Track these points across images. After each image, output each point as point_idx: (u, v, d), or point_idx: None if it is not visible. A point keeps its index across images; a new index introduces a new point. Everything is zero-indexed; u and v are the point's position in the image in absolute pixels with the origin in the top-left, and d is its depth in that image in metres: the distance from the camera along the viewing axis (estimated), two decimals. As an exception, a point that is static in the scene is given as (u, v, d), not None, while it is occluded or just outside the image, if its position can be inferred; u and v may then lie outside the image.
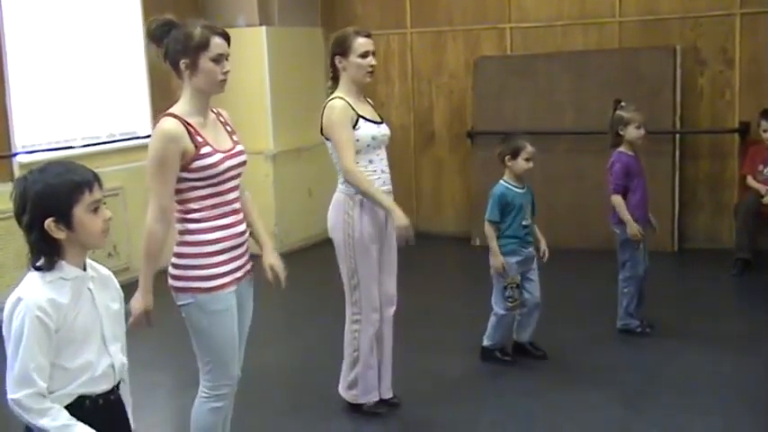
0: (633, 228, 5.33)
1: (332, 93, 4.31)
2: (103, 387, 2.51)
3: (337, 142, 4.17)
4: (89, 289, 2.51)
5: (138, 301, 3.21)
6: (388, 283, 4.45)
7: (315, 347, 5.60)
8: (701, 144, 7.76)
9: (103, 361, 2.51)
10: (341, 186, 4.31)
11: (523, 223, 4.99)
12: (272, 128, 8.10)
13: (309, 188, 8.30)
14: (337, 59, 4.26)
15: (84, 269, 2.52)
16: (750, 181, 7.11)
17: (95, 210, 2.46)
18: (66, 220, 2.41)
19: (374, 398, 4.48)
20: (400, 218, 4.13)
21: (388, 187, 4.37)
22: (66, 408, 2.41)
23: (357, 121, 4.21)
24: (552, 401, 4.66)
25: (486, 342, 5.16)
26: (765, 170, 7.08)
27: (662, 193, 7.48)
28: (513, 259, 4.97)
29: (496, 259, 4.94)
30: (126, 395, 2.65)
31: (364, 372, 4.43)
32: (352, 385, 4.47)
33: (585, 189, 7.66)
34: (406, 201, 8.46)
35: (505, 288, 4.98)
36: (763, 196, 6.94)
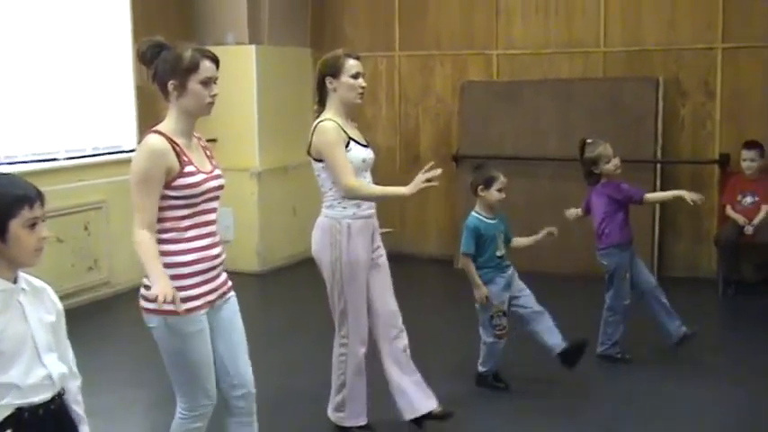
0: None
1: (318, 115, 4.25)
2: (42, 397, 2.47)
3: (334, 163, 4.08)
4: (19, 301, 2.46)
5: (159, 287, 2.98)
6: (389, 301, 4.38)
7: (299, 366, 5.52)
8: (681, 174, 7.75)
9: (38, 372, 2.46)
10: (326, 211, 4.24)
11: (497, 254, 4.94)
12: (259, 146, 8.05)
13: (294, 206, 8.24)
14: (328, 80, 4.21)
15: (16, 282, 2.47)
16: (729, 211, 7.11)
17: (32, 226, 2.43)
18: (1, 232, 2.38)
19: (361, 421, 4.40)
20: (414, 186, 3.92)
21: (373, 210, 4.32)
22: (6, 420, 2.37)
23: (348, 143, 4.15)
24: (526, 428, 4.59)
25: (480, 369, 5.10)
26: (744, 200, 7.09)
27: (643, 221, 7.45)
28: (496, 287, 4.92)
29: (479, 290, 4.88)
30: (79, 412, 2.61)
31: (350, 396, 4.35)
32: (339, 407, 4.40)
33: (564, 213, 7.62)
34: (390, 223, 8.42)
35: (492, 317, 4.92)
36: (742, 226, 6.93)
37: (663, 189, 7.60)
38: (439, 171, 3.89)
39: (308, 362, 5.55)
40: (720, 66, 7.52)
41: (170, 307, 2.98)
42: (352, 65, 4.19)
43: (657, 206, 7.55)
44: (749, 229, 6.88)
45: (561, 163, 7.79)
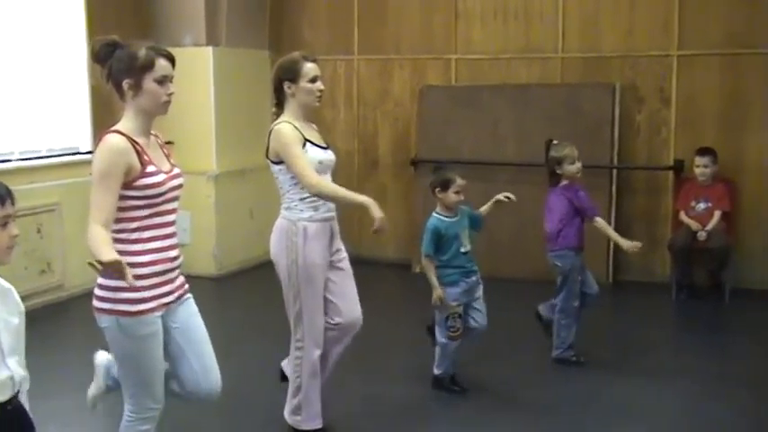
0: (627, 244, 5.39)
1: (277, 118, 4.25)
2: (1, 398, 2.48)
3: (295, 162, 4.08)
4: None
5: (105, 256, 2.90)
6: (353, 306, 4.38)
7: (255, 371, 5.49)
8: (637, 180, 7.85)
9: (2, 373, 2.47)
10: (284, 212, 4.25)
11: (462, 250, 4.97)
12: (216, 148, 8.00)
13: (251, 209, 8.20)
14: (286, 85, 4.21)
15: None
16: (682, 216, 7.21)
17: (3, 225, 2.44)
18: None
19: (317, 425, 4.40)
20: (376, 210, 4.00)
21: (333, 213, 4.33)
22: None
23: (304, 144, 4.16)
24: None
25: (436, 371, 5.13)
26: (698, 206, 7.20)
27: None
28: (457, 289, 4.95)
29: (435, 291, 4.91)
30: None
31: (306, 399, 4.35)
32: (296, 411, 4.40)
33: (526, 219, 7.67)
34: (348, 226, 8.41)
35: (447, 318, 4.95)
36: (695, 232, 7.03)
37: (618, 194, 7.72)
38: (385, 227, 3.98)
39: (265, 366, 5.52)
40: (676, 72, 7.63)
41: (120, 283, 2.93)
42: (309, 69, 4.20)
43: (613, 211, 7.65)
44: (702, 235, 6.99)
45: (519, 168, 7.86)
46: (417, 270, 7.88)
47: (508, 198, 5.10)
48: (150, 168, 3.17)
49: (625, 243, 5.43)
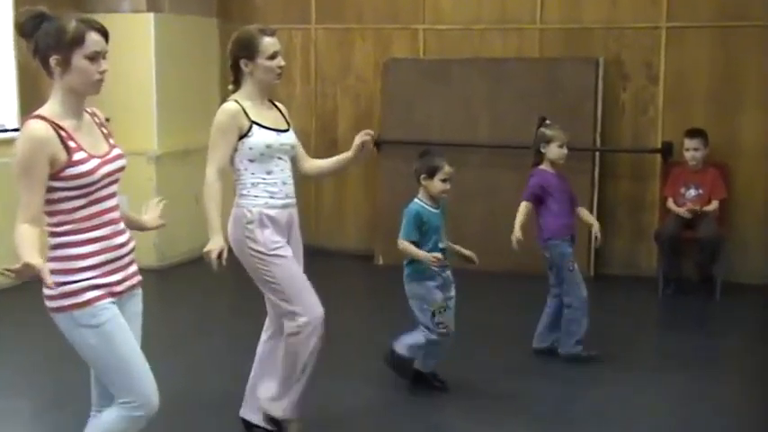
0: (514, 237, 5.48)
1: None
2: None
3: (210, 147, 4.24)
4: None
5: (24, 258, 2.97)
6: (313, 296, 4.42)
7: (203, 371, 5.53)
8: (621, 163, 7.96)
9: None
10: (238, 200, 4.31)
11: (440, 245, 5.03)
12: (157, 126, 7.99)
13: (197, 195, 8.13)
14: (243, 63, 4.25)
15: None
16: (670, 204, 7.32)
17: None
18: None
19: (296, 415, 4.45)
20: (211, 243, 4.11)
21: (291, 200, 4.37)
22: None
23: (250, 128, 4.21)
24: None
25: (420, 368, 5.20)
26: (688, 193, 7.31)
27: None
28: (433, 284, 5.01)
29: (428, 257, 4.88)
30: None
31: (307, 381, 4.37)
32: (294, 400, 4.40)
33: (499, 207, 7.75)
34: (304, 215, 8.40)
35: (434, 315, 5.01)
36: (684, 221, 7.13)
37: (601, 179, 7.82)
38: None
39: (214, 365, 5.56)
40: (665, 46, 7.73)
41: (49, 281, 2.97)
42: (268, 44, 4.23)
43: (595, 197, 7.75)
44: (690, 213, 7.07)
45: (492, 150, 7.93)
46: (380, 262, 7.95)
47: (471, 260, 5.17)
48: (78, 155, 3.16)
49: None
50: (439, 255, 4.92)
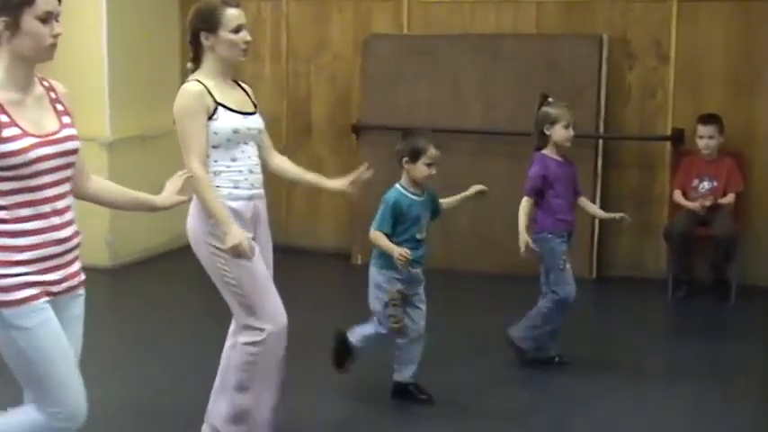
0: (521, 241, 5.48)
1: (192, 74, 4.29)
2: None
3: (182, 137, 4.19)
4: None
5: None
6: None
7: (160, 382, 5.52)
8: (627, 152, 7.98)
9: None
10: None
11: (418, 236, 5.06)
12: (110, 109, 7.95)
13: (154, 185, 8.16)
14: (203, 36, 4.24)
15: None
16: (679, 198, 7.35)
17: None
18: None
19: None
20: (233, 236, 4.09)
21: (258, 191, 4.35)
22: None
23: (215, 110, 4.19)
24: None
25: (396, 377, 5.22)
26: (701, 186, 7.34)
27: (579, 208, 7.64)
28: (395, 275, 5.03)
29: (397, 251, 4.89)
30: None
31: (257, 403, 4.38)
32: (236, 419, 4.40)
33: (492, 200, 7.72)
34: (274, 209, 8.35)
35: (386, 305, 5.04)
36: (696, 217, 7.15)
37: (604, 170, 7.83)
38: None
39: (172, 376, 5.55)
40: (676, 22, 7.73)
41: None
42: (232, 16, 4.23)
43: (598, 189, 7.77)
44: (704, 204, 7.09)
45: (484, 137, 7.94)
46: (359, 261, 7.95)
47: (482, 192, 5.21)
48: (9, 132, 3.13)
49: (522, 236, 5.55)
50: (407, 252, 4.90)
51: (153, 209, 3.81)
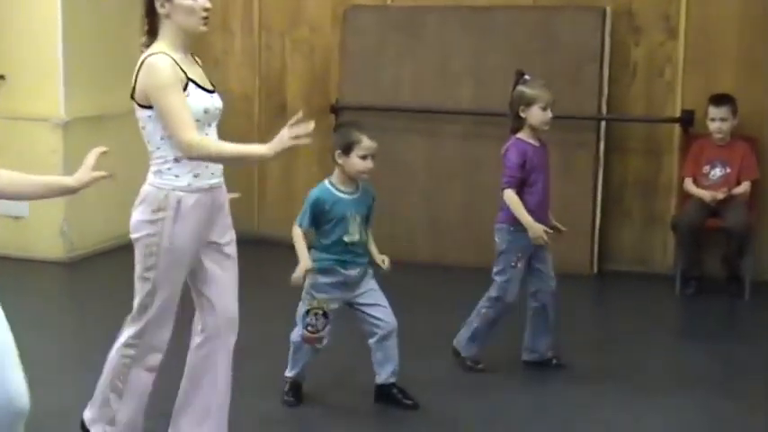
0: (536, 229, 5.48)
1: (147, 48, 4.24)
2: None
3: (169, 111, 4.07)
4: None
5: None
6: (227, 302, 4.44)
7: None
8: (631, 136, 8.00)
9: None
10: (152, 178, 4.25)
11: (346, 240, 5.04)
12: (64, 86, 7.91)
13: (114, 170, 8.13)
14: (158, 4, 4.19)
15: None
16: (689, 186, 7.37)
17: None
18: None
19: None
20: (275, 148, 4.06)
21: (218, 179, 4.32)
22: None
23: (186, 86, 4.16)
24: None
25: (287, 372, 5.23)
26: (713, 172, 7.35)
27: (579, 197, 7.67)
28: (327, 279, 5.04)
29: (301, 264, 4.96)
30: None
31: (128, 412, 4.42)
32: (111, 421, 4.45)
33: (483, 187, 7.76)
34: (245, 197, 8.35)
35: (308, 312, 5.05)
36: (707, 206, 7.17)
37: (607, 155, 7.84)
38: (311, 125, 3.98)
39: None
40: (686, -7, 7.76)
41: None
42: None
43: (600, 176, 7.78)
44: (717, 196, 7.11)
45: (476, 119, 7.94)
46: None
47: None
48: None
49: (534, 228, 5.52)
50: (307, 268, 4.97)
51: (68, 191, 3.82)
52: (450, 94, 8.06)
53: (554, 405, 5.40)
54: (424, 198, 8.02)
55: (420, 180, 8.07)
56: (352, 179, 5.06)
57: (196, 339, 4.50)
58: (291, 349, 5.21)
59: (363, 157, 4.98)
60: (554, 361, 5.79)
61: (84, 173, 3.78)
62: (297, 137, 4.01)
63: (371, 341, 5.15)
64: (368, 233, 5.17)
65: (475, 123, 7.95)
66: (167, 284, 4.28)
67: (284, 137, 4.01)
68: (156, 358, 4.40)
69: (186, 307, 4.48)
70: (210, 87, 4.33)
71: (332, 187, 5.06)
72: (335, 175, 5.09)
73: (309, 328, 5.06)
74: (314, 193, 5.07)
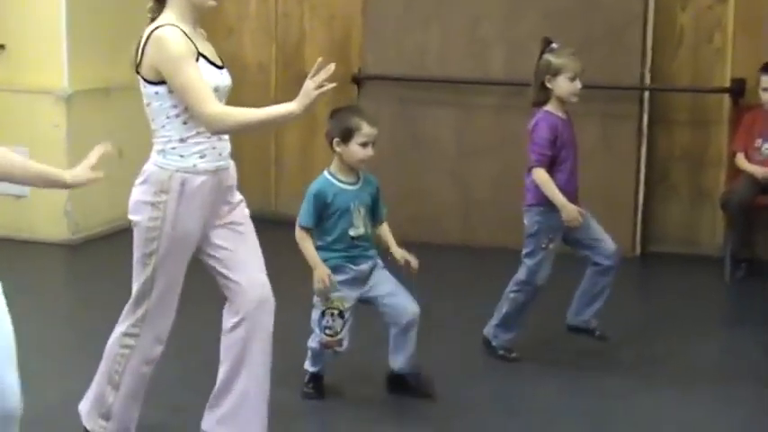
0: (571, 210, 5.46)
1: (155, 18, 4.24)
2: None
3: (189, 85, 4.06)
4: None
5: None
6: (253, 278, 4.40)
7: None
8: (677, 107, 7.97)
9: None
10: (156, 157, 4.24)
11: (351, 233, 5.03)
12: (68, 57, 7.92)
13: (120, 147, 8.12)
14: None
15: None
16: (741, 161, 7.33)
17: None
18: None
19: None
20: (304, 104, 4.09)
21: (225, 161, 4.30)
22: None
23: (197, 60, 4.16)
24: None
25: (307, 366, 5.23)
26: (765, 146, 7.30)
27: (621, 173, 7.64)
28: (338, 278, 5.01)
29: (318, 271, 4.95)
30: None
31: (124, 405, 4.44)
32: (106, 415, 4.46)
33: (516, 163, 7.70)
34: (261, 175, 8.40)
35: (323, 315, 5.03)
36: (760, 182, 7.14)
37: (651, 127, 7.81)
38: (332, 66, 4.05)
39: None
40: (737, -50, 7.72)
41: None
42: None
43: (643, 151, 7.75)
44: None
45: (509, 90, 7.91)
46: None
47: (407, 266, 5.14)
48: None
49: (569, 210, 5.49)
50: (328, 276, 4.93)
51: (61, 185, 3.84)
52: (480, 61, 8.04)
53: (589, 396, 5.37)
54: (453, 175, 8.00)
55: (448, 156, 8.05)
56: (351, 169, 5.04)
57: (230, 321, 4.45)
58: (310, 355, 5.20)
59: (364, 145, 4.95)
60: (597, 332, 5.75)
61: (82, 170, 3.81)
62: (321, 84, 4.02)
63: (394, 331, 5.13)
64: (375, 226, 5.16)
65: (507, 94, 7.91)
66: (168, 271, 4.29)
67: (309, 88, 4.04)
68: (156, 350, 4.41)
69: (208, 293, 4.48)
70: (220, 63, 4.33)
71: (332, 178, 5.04)
72: (334, 165, 5.07)
73: (327, 330, 5.03)
74: (313, 186, 5.04)
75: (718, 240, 7.68)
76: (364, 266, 5.09)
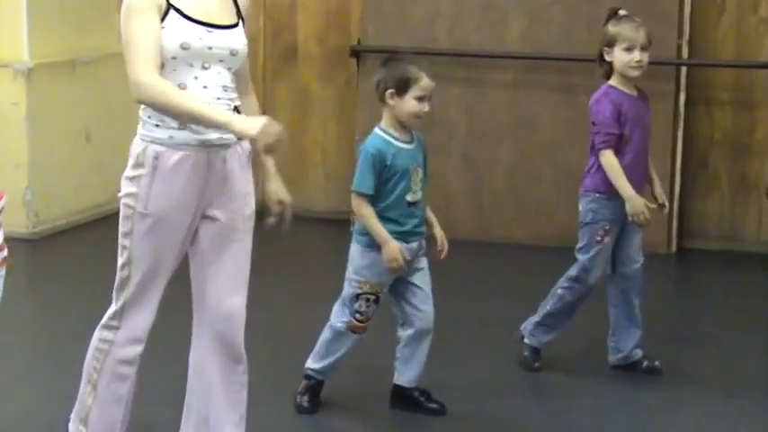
0: (637, 203, 5.48)
1: None
2: None
3: (127, 40, 4.08)
4: None
5: None
6: (225, 292, 4.39)
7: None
8: (718, 82, 8.01)
9: None
10: (139, 128, 4.28)
11: (408, 199, 5.04)
12: (28, 27, 7.95)
13: (87, 128, 8.17)
14: None
15: None
16: (791, 146, 7.37)
17: None
18: None
19: None
20: (250, 127, 3.99)
21: (219, 135, 4.26)
22: None
23: (165, 14, 4.15)
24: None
25: (310, 363, 5.23)
26: (815, 128, 7.36)
27: (654, 159, 7.59)
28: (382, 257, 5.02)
29: (388, 246, 4.93)
30: None
31: (103, 410, 4.45)
32: (84, 420, 4.47)
33: (536, 148, 7.79)
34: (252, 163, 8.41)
35: (358, 297, 5.07)
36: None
37: (688, 107, 7.84)
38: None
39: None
40: None
41: None
42: None
43: (680, 132, 7.78)
44: None
45: (528, 64, 7.94)
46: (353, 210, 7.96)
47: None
48: None
49: (635, 202, 5.53)
50: (403, 253, 4.94)
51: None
52: (496, 32, 8.05)
53: (623, 413, 5.41)
54: (465, 161, 8.03)
55: (460, 139, 8.08)
56: (404, 126, 5.07)
57: (194, 332, 4.51)
58: (329, 336, 5.15)
59: (420, 99, 4.97)
60: (645, 363, 5.73)
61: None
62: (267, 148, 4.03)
63: (406, 333, 5.14)
64: (424, 191, 5.16)
65: (525, 69, 7.95)
66: (145, 257, 4.27)
67: (272, 127, 3.97)
68: (132, 350, 4.38)
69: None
70: (225, 22, 4.29)
71: (388, 135, 5.04)
72: (386, 121, 5.05)
73: (358, 315, 5.05)
74: (369, 145, 5.02)
75: (764, 236, 7.72)
76: (414, 244, 5.06)
